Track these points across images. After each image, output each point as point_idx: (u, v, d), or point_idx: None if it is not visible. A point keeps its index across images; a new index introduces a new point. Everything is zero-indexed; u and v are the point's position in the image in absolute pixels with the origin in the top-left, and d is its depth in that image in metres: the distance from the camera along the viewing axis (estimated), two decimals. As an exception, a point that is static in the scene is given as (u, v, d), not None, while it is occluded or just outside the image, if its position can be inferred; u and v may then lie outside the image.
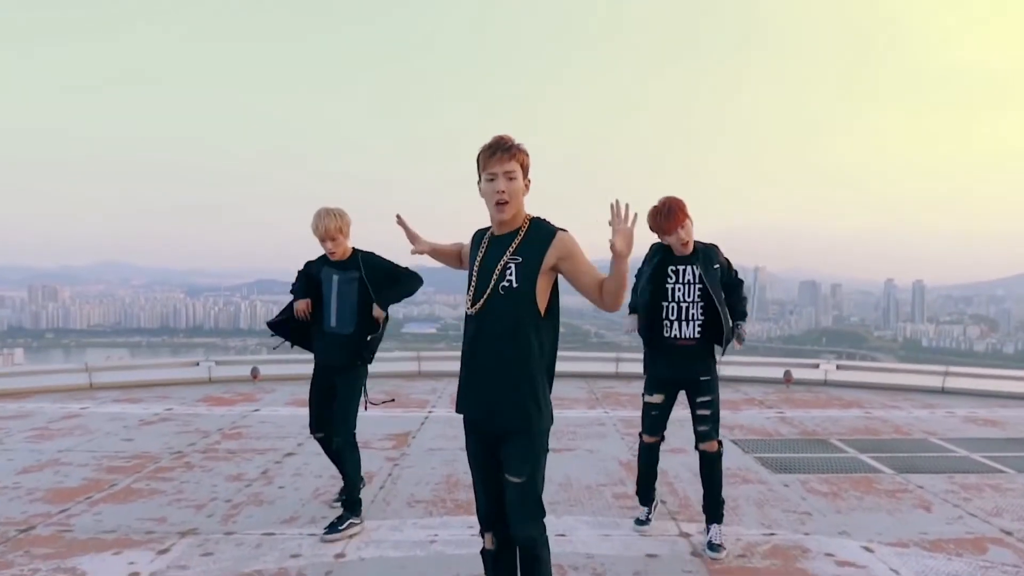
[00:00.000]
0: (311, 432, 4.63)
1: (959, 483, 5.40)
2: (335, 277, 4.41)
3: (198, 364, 10.71)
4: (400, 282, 4.45)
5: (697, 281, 4.03)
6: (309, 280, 4.52)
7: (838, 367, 11.48)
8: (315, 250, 4.50)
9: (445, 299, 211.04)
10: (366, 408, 4.51)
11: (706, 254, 4.09)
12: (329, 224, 4.32)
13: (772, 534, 4.30)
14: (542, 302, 2.65)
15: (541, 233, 2.66)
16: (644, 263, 4.20)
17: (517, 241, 2.64)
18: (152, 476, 5.46)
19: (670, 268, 4.07)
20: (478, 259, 2.72)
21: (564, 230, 2.67)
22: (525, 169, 2.65)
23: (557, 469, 5.67)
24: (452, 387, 9.92)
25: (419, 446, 6.49)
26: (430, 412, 8.15)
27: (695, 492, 5.04)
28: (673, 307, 4.07)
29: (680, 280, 4.06)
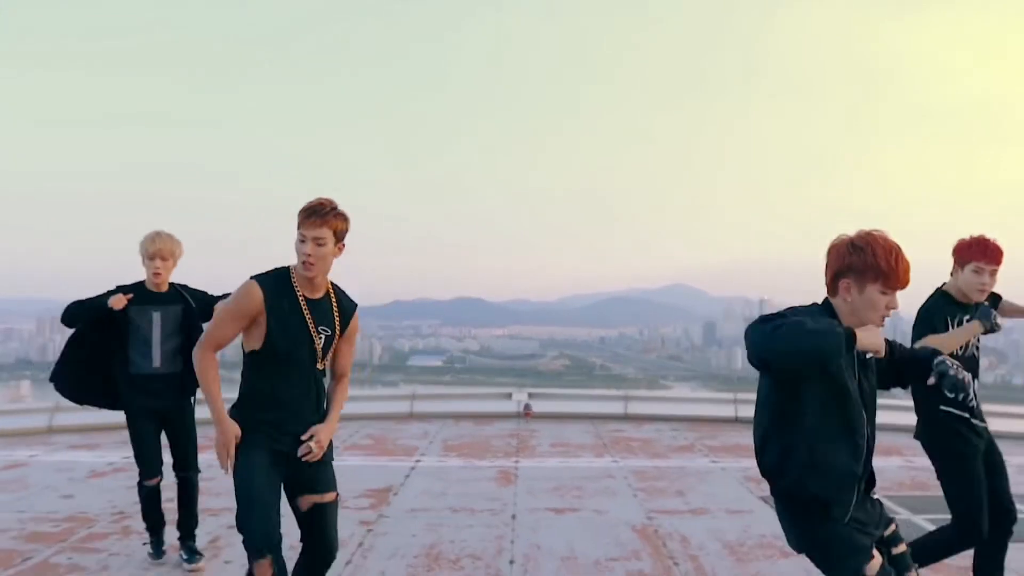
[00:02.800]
0: (147, 479, 4.26)
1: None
2: (155, 314, 4.15)
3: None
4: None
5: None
6: (102, 321, 4.12)
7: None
8: None
9: (451, 331, 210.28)
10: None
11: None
12: (163, 245, 4.14)
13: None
14: None
15: (345, 305, 2.90)
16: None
17: (333, 309, 2.86)
18: (78, 546, 4.60)
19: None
20: (308, 319, 2.79)
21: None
22: (339, 235, 2.72)
23: (559, 537, 4.80)
24: (445, 431, 9.11)
25: (400, 505, 5.62)
26: (418, 461, 7.28)
27: (726, 569, 4.19)
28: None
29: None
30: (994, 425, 8.57)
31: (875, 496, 2.40)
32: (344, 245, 2.75)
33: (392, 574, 4.15)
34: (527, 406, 10.04)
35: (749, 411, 9.16)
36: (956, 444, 3.29)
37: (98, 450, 7.60)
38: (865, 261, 2.22)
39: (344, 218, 2.70)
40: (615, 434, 8.77)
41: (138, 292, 4.15)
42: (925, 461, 7.23)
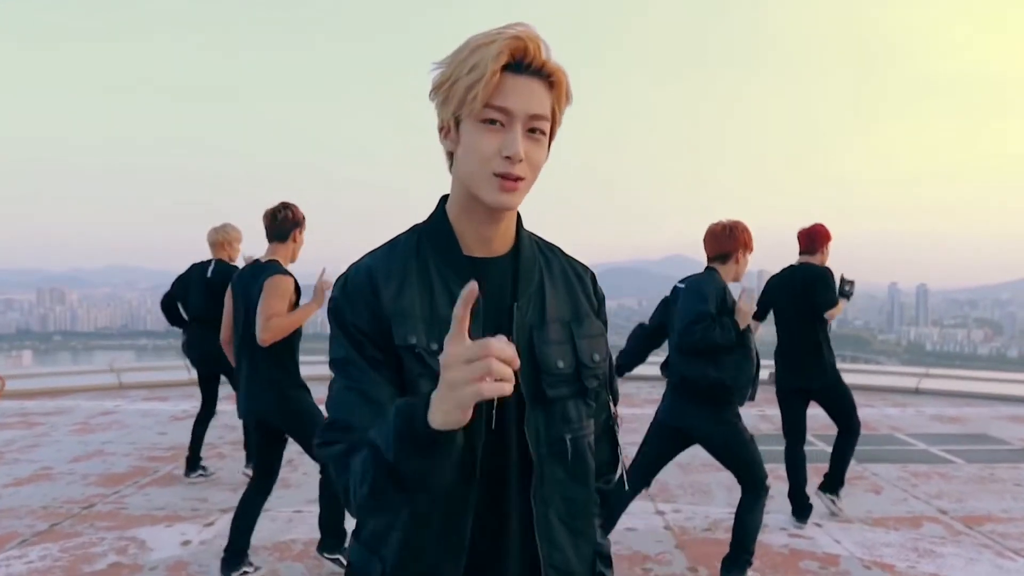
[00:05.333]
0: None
1: (911, 471, 6.03)
2: None
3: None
4: None
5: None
6: None
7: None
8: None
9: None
10: None
11: None
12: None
13: (728, 517, 4.93)
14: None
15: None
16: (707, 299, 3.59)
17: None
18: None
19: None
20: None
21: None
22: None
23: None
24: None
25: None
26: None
27: (673, 477, 5.70)
28: None
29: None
30: (990, 388, 10.01)
31: None
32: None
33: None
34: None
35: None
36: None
37: (169, 401, 9.10)
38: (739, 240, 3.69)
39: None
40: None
41: None
42: (858, 411, 8.73)
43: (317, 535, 4.45)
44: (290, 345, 3.68)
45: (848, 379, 10.84)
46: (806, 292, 4.77)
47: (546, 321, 1.25)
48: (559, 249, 1.37)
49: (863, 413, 8.93)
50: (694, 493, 5.44)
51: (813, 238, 4.87)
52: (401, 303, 1.17)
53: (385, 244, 1.27)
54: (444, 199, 1.27)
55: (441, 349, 1.03)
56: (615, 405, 1.41)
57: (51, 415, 8.23)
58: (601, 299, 1.38)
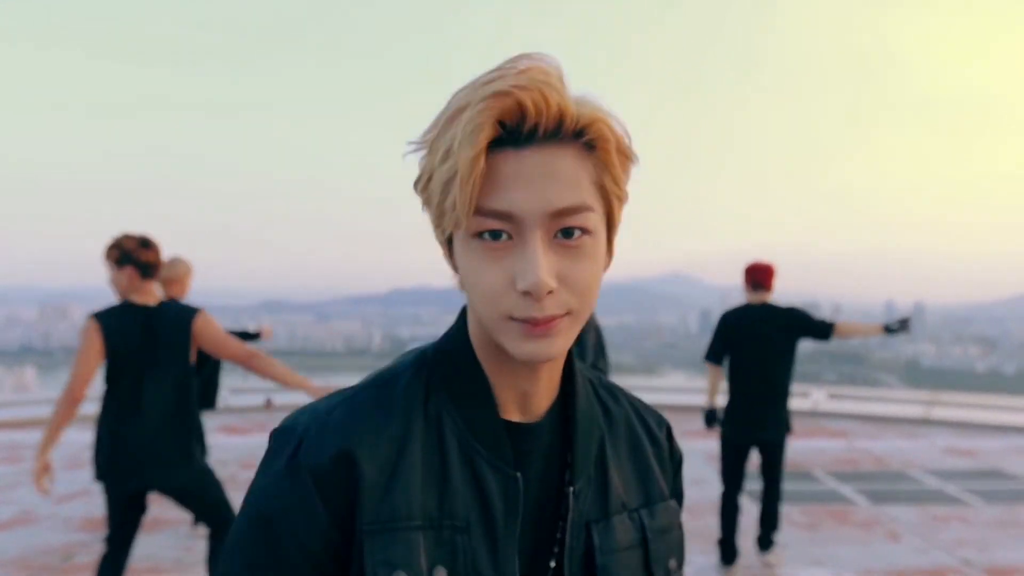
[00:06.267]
0: None
1: (930, 515, 5.79)
2: None
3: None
4: None
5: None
6: None
7: (830, 396, 11.93)
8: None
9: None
10: None
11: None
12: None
13: (748, 565, 4.70)
14: None
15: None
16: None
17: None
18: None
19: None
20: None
21: None
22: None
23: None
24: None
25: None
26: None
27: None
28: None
29: None
30: (1003, 417, 9.76)
31: None
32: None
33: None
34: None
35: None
36: None
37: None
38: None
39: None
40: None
41: None
42: (866, 443, 8.54)
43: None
44: (187, 398, 3.27)
45: (854, 408, 10.71)
46: (803, 327, 4.49)
47: (610, 512, 0.80)
48: (621, 391, 0.91)
49: (873, 446, 8.75)
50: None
51: (770, 276, 4.60)
52: (392, 500, 0.72)
53: (369, 383, 0.80)
54: (467, 313, 0.84)
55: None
56: None
57: (37, 448, 7.98)
58: (678, 464, 0.93)
